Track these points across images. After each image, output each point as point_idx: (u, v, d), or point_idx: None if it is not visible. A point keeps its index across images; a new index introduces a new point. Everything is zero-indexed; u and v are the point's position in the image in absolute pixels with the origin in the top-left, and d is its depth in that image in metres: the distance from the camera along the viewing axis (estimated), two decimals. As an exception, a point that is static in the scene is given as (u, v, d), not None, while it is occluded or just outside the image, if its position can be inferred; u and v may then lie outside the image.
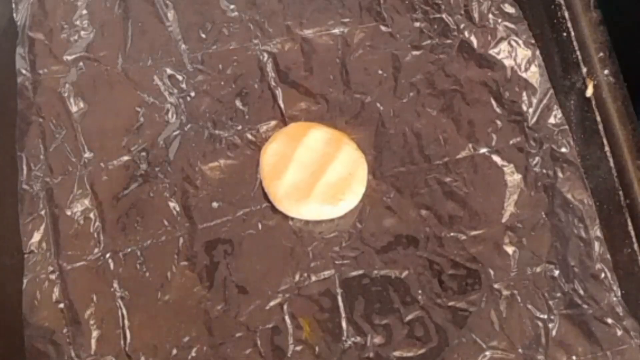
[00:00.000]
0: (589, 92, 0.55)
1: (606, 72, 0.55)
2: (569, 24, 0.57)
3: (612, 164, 0.54)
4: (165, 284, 0.55)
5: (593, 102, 0.55)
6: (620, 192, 0.53)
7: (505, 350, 0.53)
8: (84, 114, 0.59)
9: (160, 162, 0.58)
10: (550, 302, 0.54)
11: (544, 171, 0.57)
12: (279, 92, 0.60)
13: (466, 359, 0.53)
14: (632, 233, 0.52)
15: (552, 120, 0.59)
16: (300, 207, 0.56)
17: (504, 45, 0.61)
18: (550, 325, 0.54)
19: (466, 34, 0.61)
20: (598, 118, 0.55)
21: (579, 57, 0.56)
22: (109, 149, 0.58)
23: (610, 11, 0.56)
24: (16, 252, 0.56)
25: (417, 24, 0.62)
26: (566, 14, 0.57)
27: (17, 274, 0.55)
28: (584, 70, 0.56)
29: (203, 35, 0.61)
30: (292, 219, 0.57)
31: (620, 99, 0.54)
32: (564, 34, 0.57)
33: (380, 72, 0.60)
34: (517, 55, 0.60)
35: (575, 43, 0.56)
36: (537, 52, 0.60)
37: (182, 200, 0.57)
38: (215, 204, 0.57)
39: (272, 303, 0.54)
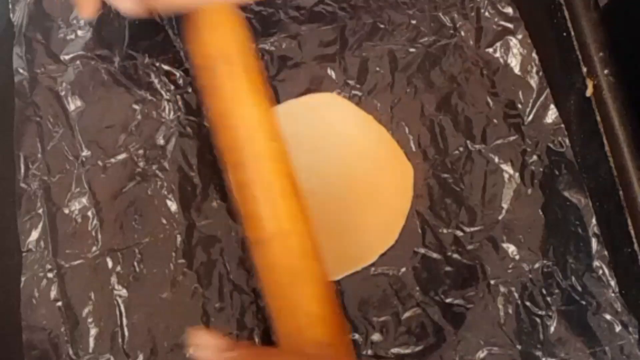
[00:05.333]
0: (589, 92, 0.55)
1: (606, 72, 0.55)
2: (569, 24, 0.57)
3: (612, 164, 0.54)
4: (163, 282, 0.55)
5: (593, 102, 0.55)
6: (620, 192, 0.53)
7: (503, 347, 0.53)
8: (81, 113, 0.59)
9: (157, 160, 0.58)
10: (548, 299, 0.54)
11: (541, 169, 0.57)
12: (277, 89, 0.60)
13: (464, 356, 0.53)
14: (632, 233, 0.52)
15: (548, 119, 0.59)
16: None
17: (500, 44, 0.61)
18: (548, 322, 0.54)
19: (462, 32, 0.61)
20: (598, 118, 0.55)
21: (579, 57, 0.56)
22: (106, 147, 0.58)
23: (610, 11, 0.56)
24: (15, 252, 0.56)
25: (413, 22, 0.61)
26: (566, 14, 0.57)
27: (16, 274, 0.55)
28: (584, 70, 0.56)
29: (200, 33, 0.61)
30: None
31: (620, 99, 0.54)
32: (564, 34, 0.57)
33: (377, 69, 0.60)
34: (514, 53, 0.60)
35: (575, 43, 0.56)
36: (534, 51, 0.60)
37: (180, 198, 0.57)
38: (214, 203, 0.57)
39: (270, 301, 0.55)
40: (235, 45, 0.53)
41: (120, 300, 0.55)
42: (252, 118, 0.52)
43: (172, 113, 0.59)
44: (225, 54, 0.53)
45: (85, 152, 0.58)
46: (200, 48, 0.54)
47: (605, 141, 0.54)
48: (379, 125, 0.58)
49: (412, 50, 0.61)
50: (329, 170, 0.57)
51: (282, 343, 0.49)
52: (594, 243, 0.56)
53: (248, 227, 0.51)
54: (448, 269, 0.55)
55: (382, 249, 0.55)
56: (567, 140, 0.58)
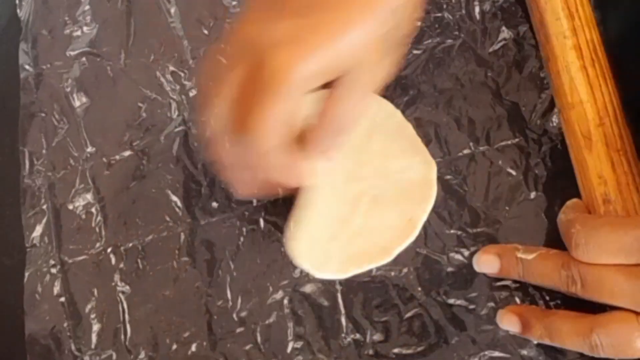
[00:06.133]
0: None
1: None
2: (570, 24, 0.57)
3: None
4: (166, 279, 0.55)
5: (593, 103, 0.55)
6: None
7: (504, 350, 0.53)
8: (86, 109, 0.59)
9: (162, 158, 0.58)
10: (551, 303, 0.54)
11: (544, 172, 0.57)
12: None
13: (465, 357, 0.53)
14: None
15: (552, 121, 0.58)
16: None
17: (504, 46, 0.61)
18: (550, 325, 0.54)
19: (467, 33, 0.61)
20: (598, 119, 0.55)
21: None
22: (111, 144, 0.58)
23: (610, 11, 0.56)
24: (17, 252, 0.56)
25: (417, 23, 0.61)
26: (566, 14, 0.57)
27: (20, 269, 0.55)
28: (585, 70, 0.56)
29: (205, 32, 0.61)
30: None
31: (620, 99, 0.54)
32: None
33: (382, 69, 0.60)
34: (518, 55, 0.60)
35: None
36: (538, 53, 0.60)
37: (184, 196, 0.57)
38: (215, 204, 0.57)
39: (272, 299, 0.55)
40: None
41: (123, 297, 0.55)
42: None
43: (177, 112, 0.59)
44: None
45: (90, 149, 0.58)
46: None
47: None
48: (403, 118, 0.58)
49: (416, 51, 0.61)
50: (358, 163, 0.57)
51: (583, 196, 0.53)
52: (596, 246, 0.55)
53: (555, 95, 0.56)
54: (450, 270, 0.55)
55: (402, 245, 0.55)
56: (570, 142, 0.58)
